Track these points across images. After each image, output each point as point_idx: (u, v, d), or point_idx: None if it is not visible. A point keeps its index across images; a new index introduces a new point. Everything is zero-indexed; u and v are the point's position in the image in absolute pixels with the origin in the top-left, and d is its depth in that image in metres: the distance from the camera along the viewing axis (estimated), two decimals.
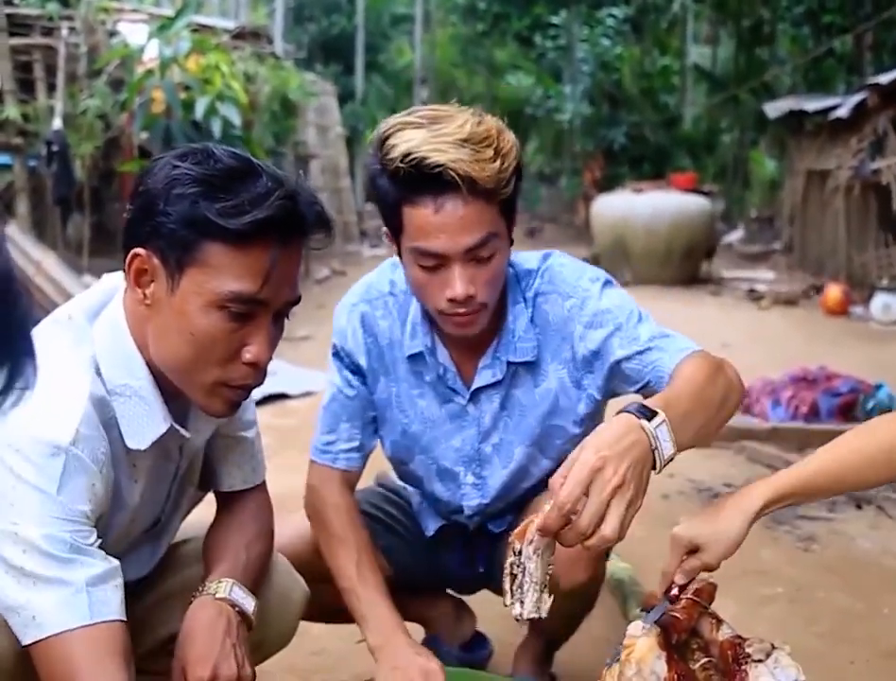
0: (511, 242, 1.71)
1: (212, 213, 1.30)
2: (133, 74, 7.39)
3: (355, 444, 1.90)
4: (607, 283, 1.79)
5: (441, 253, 1.59)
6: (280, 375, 5.40)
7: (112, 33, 8.46)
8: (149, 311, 1.38)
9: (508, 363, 1.81)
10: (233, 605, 1.47)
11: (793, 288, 10.46)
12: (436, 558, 2.06)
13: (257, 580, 1.58)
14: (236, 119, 7.44)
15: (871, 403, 4.78)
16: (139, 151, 7.78)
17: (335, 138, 15.66)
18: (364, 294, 1.89)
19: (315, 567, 1.83)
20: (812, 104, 12.02)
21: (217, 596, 1.46)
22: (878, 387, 4.87)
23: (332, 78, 18.43)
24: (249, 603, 1.49)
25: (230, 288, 1.32)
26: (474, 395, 1.84)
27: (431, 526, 2.02)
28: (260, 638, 1.61)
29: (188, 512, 1.73)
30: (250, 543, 1.62)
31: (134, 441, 1.41)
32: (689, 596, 1.52)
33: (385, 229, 1.70)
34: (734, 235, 16.64)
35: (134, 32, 8.13)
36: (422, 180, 1.54)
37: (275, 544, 1.74)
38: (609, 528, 1.24)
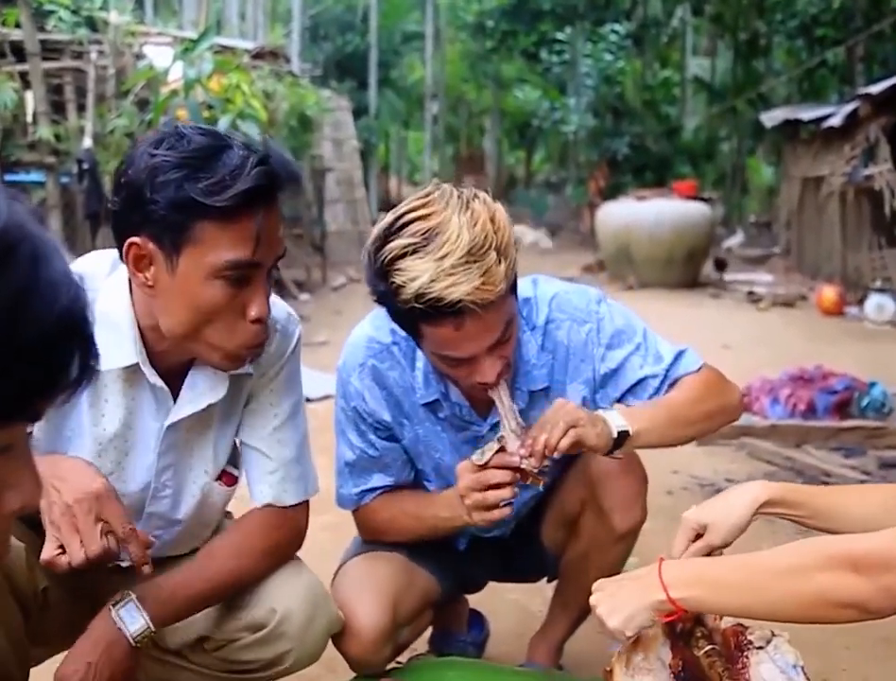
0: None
1: (197, 194, 1.34)
2: (159, 94, 7.52)
3: (391, 482, 1.92)
4: (605, 300, 1.88)
5: (467, 358, 1.62)
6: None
7: (139, 56, 8.60)
8: (153, 291, 1.43)
9: (529, 392, 1.84)
10: (116, 624, 1.49)
11: (790, 291, 10.62)
12: (470, 566, 2.06)
13: (210, 593, 1.59)
14: (256, 136, 7.58)
15: (866, 400, 4.89)
16: None
17: (350, 151, 15.68)
18: (368, 351, 1.85)
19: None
20: (806, 113, 12.18)
21: (111, 610, 1.50)
22: (872, 385, 4.99)
23: (346, 93, 18.55)
24: (134, 625, 1.49)
25: (226, 258, 1.38)
26: (493, 426, 1.85)
27: (462, 541, 2.02)
28: (282, 653, 1.63)
29: (218, 508, 1.72)
30: (226, 557, 1.61)
31: None
32: None
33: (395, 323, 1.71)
34: (734, 240, 16.63)
35: (159, 55, 8.21)
36: (440, 313, 1.53)
37: (342, 592, 1.84)
38: (561, 423, 1.60)
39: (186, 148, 1.37)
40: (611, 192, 15.62)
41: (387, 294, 1.58)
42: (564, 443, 1.60)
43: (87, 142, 7.78)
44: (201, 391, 1.57)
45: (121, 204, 1.40)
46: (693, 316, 8.84)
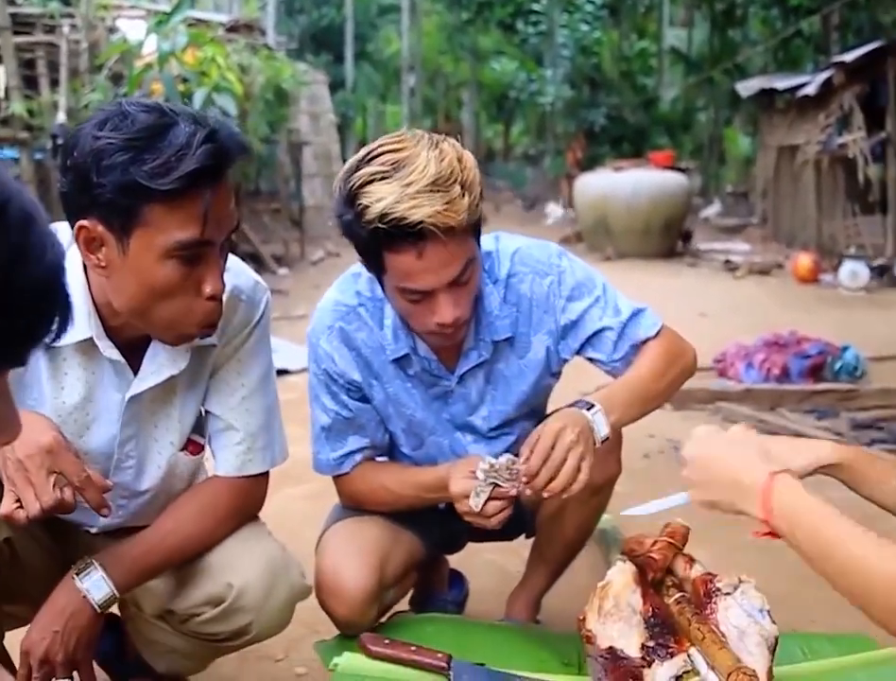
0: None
1: (142, 177, 1.32)
2: (133, 68, 7.44)
3: (367, 444, 1.96)
4: (565, 254, 1.92)
5: (428, 290, 1.66)
6: (280, 352, 5.32)
7: (112, 29, 8.56)
8: (106, 272, 1.42)
9: (493, 342, 1.88)
10: (81, 592, 1.53)
11: (767, 259, 10.72)
12: (451, 524, 2.04)
13: (172, 557, 1.63)
14: (232, 109, 7.55)
15: (838, 364, 5.03)
16: None
17: (326, 125, 15.62)
18: (335, 313, 1.88)
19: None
20: (782, 82, 12.27)
21: (75, 579, 1.54)
22: (844, 349, 5.13)
23: (323, 67, 18.49)
24: (98, 593, 1.53)
25: (176, 239, 1.37)
26: (461, 378, 1.90)
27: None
28: (244, 625, 1.65)
29: (184, 477, 1.72)
30: (187, 522, 1.64)
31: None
32: (664, 538, 1.64)
33: (360, 260, 1.74)
34: (711, 210, 16.71)
35: (133, 28, 8.17)
36: (402, 234, 1.57)
37: (325, 561, 1.87)
38: (569, 467, 1.64)
39: (130, 128, 1.34)
40: (589, 163, 15.68)
41: (352, 221, 1.61)
42: (577, 488, 1.67)
43: (61, 117, 7.75)
44: (162, 363, 1.58)
45: (69, 187, 1.38)
46: (670, 285, 8.93)
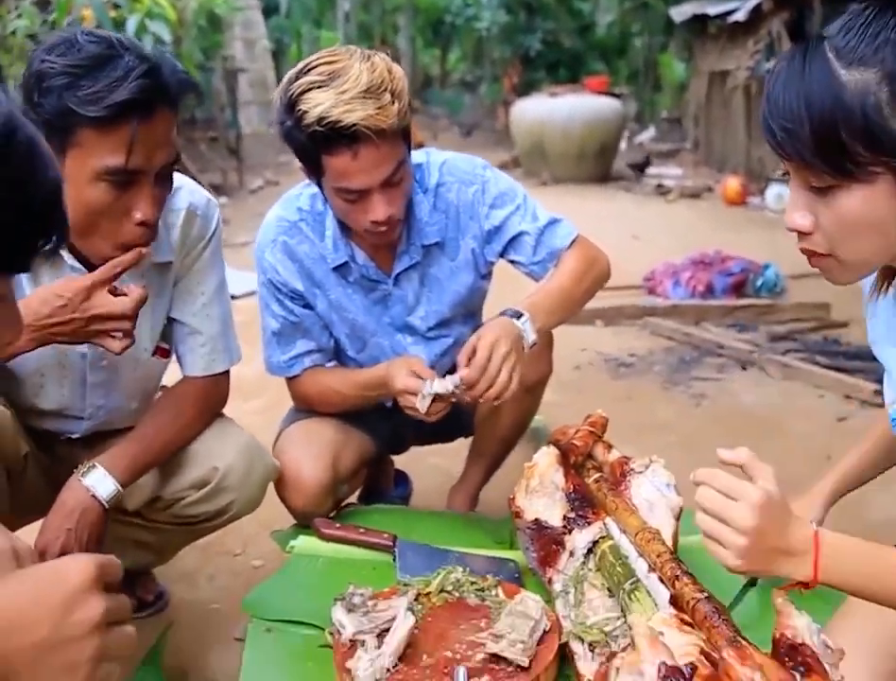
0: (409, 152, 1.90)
1: (74, 103, 1.43)
2: None
3: (314, 347, 2.13)
4: (490, 167, 2.10)
5: (362, 189, 1.81)
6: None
7: None
8: None
9: (423, 246, 2.05)
10: (89, 490, 1.64)
11: (698, 183, 10.88)
12: (396, 422, 2.18)
13: (160, 456, 1.78)
14: (167, 36, 7.46)
15: (759, 281, 5.32)
16: None
17: (261, 51, 15.41)
18: (278, 228, 2.05)
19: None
20: (714, 8, 12.18)
21: (81, 479, 1.65)
22: (766, 267, 5.40)
23: None
24: (105, 489, 1.65)
25: (104, 163, 1.48)
26: (397, 279, 2.07)
27: (389, 399, 2.10)
28: (226, 504, 1.83)
29: (156, 379, 1.91)
30: (168, 424, 1.78)
31: None
32: (586, 427, 1.87)
33: (301, 166, 1.88)
34: (645, 135, 16.77)
35: None
36: (338, 137, 1.74)
37: (285, 456, 2.03)
38: (503, 377, 1.79)
39: (75, 56, 1.44)
40: (525, 89, 15.58)
41: (292, 127, 1.78)
42: (509, 394, 1.82)
43: None
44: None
45: (22, 101, 1.49)
46: (605, 209, 9.05)
